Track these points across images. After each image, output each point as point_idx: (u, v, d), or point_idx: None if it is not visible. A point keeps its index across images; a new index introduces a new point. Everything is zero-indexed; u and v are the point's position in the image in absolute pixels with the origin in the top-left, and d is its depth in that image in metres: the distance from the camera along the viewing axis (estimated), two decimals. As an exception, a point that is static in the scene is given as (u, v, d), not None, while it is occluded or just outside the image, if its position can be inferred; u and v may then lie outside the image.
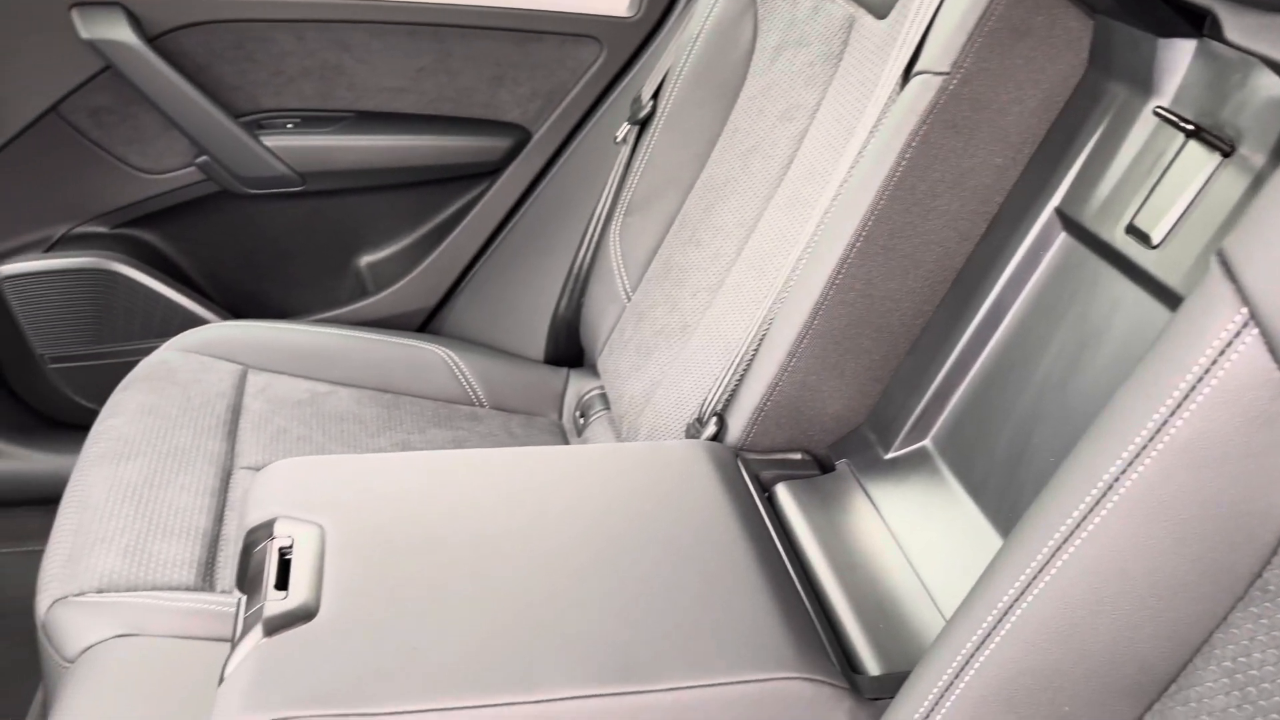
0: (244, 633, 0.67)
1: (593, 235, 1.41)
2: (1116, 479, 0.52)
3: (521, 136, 1.54)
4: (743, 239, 1.13)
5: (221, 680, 0.65)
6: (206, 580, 0.98)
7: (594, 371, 1.41)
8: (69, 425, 1.60)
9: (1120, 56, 0.79)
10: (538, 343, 1.48)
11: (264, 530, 0.74)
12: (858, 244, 0.85)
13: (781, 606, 0.72)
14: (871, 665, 0.72)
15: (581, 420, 1.38)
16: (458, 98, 1.51)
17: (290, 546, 0.72)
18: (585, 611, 0.69)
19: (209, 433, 1.16)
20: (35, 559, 1.55)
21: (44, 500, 1.55)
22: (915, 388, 0.88)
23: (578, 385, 1.43)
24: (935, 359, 0.87)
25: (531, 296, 1.50)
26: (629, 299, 1.32)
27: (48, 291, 1.48)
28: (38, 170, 1.44)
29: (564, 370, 1.46)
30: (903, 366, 0.90)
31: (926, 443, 0.86)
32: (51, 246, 1.48)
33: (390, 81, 1.48)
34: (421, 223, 1.60)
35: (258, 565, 0.72)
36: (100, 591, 0.94)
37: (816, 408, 0.92)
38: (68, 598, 0.94)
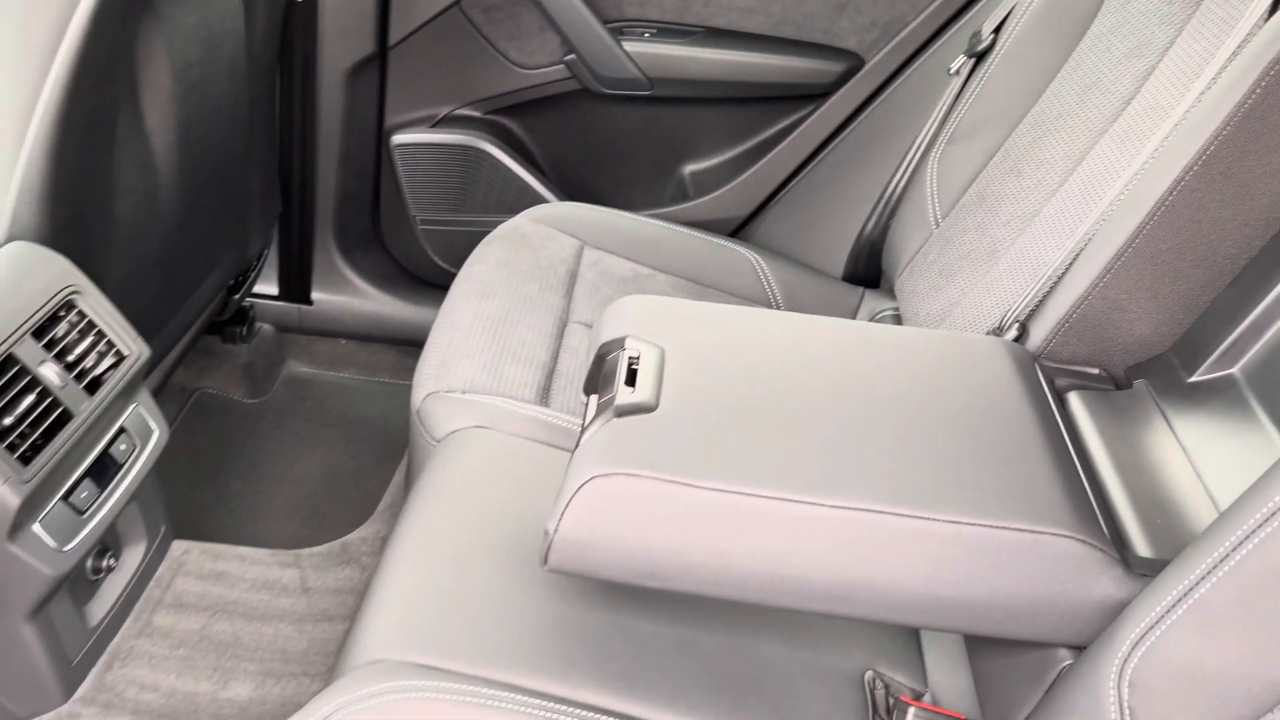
0: (596, 415, 0.82)
1: (910, 162, 1.47)
2: None
3: (854, 63, 1.61)
4: (1067, 171, 1.15)
5: (576, 448, 0.81)
6: (543, 400, 1.16)
7: (889, 295, 1.48)
8: (424, 281, 1.87)
9: None
10: (839, 260, 1.57)
11: (616, 344, 0.89)
12: (1195, 167, 0.87)
13: (1062, 477, 0.78)
14: (1142, 549, 0.77)
15: (871, 337, 1.46)
16: (801, 22, 1.60)
17: (638, 358, 0.86)
18: (882, 445, 0.79)
19: (551, 289, 1.35)
20: (388, 389, 1.84)
21: (397, 341, 1.84)
22: (1230, 317, 0.89)
23: (871, 304, 1.50)
24: (1258, 291, 0.87)
25: (840, 216, 1.58)
26: (937, 225, 1.37)
27: (428, 161, 1.73)
28: (436, 57, 1.68)
29: (860, 289, 1.54)
30: (1221, 296, 0.91)
31: (1234, 371, 0.88)
32: (436, 123, 1.73)
33: (742, 1, 1.60)
34: (747, 138, 1.72)
35: (610, 369, 0.86)
36: (464, 392, 1.14)
37: (1123, 328, 0.95)
38: (439, 392, 1.15)
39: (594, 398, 0.87)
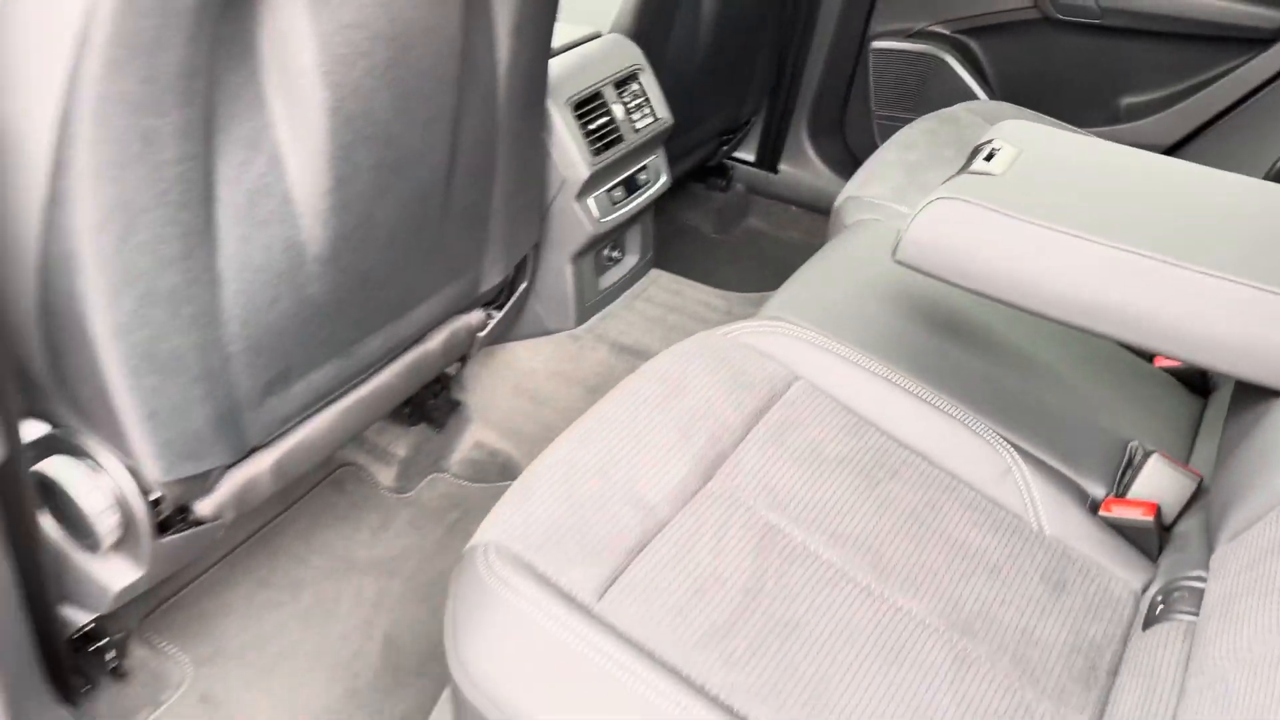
0: (950, 178, 1.16)
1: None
2: None
3: (1307, 13, 1.71)
4: None
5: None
6: (932, 219, 1.51)
7: None
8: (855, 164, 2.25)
9: None
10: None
11: (986, 143, 1.21)
12: None
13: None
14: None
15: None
16: (1258, -32, 1.73)
17: (999, 149, 1.18)
18: (1177, 220, 1.04)
19: (962, 157, 1.67)
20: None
21: (810, 203, 2.23)
22: None
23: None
24: None
25: (1251, 157, 1.70)
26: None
27: (896, 66, 2.11)
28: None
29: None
30: None
31: None
32: (910, 35, 2.09)
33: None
34: (1186, 76, 1.87)
35: (974, 154, 1.19)
36: (872, 199, 1.52)
37: None
38: (855, 197, 1.54)
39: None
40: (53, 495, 0.97)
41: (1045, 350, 1.28)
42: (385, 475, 1.55)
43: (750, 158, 2.33)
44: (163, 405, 0.91)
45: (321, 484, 1.53)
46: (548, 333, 1.58)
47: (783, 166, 2.30)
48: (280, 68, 0.85)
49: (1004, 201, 1.08)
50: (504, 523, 0.94)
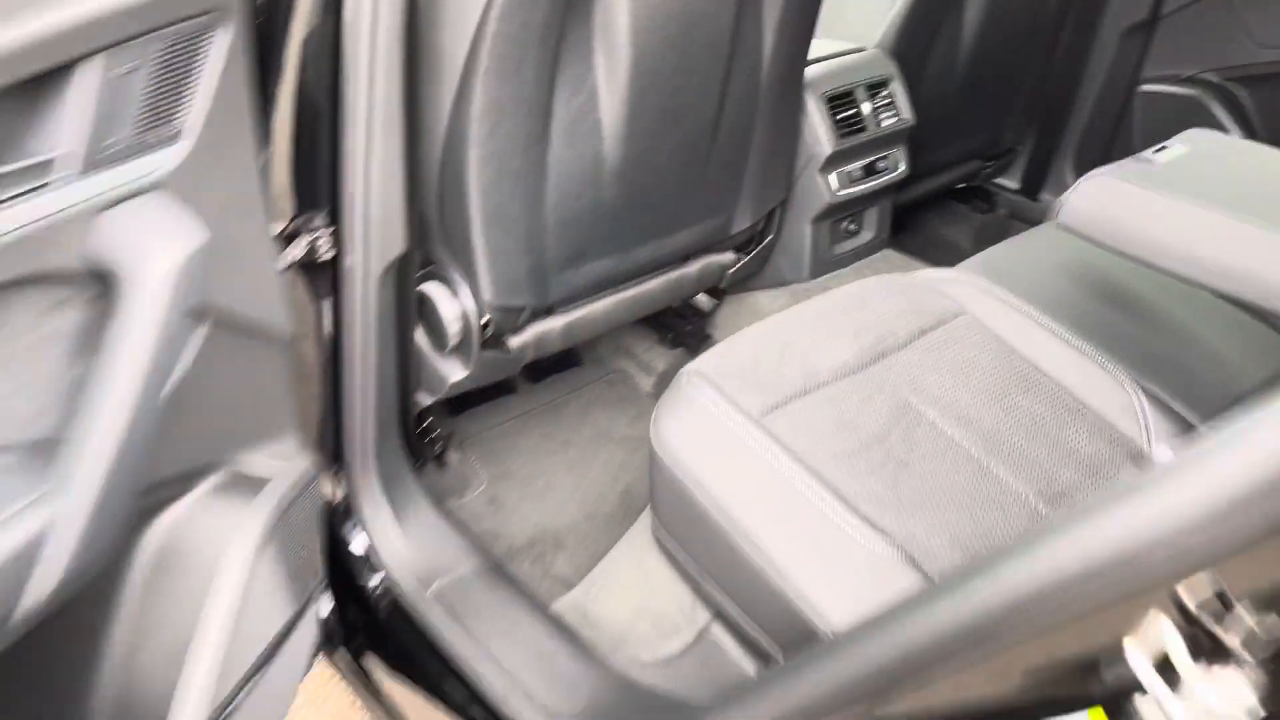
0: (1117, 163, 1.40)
1: None
2: None
3: None
4: None
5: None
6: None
7: None
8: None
9: None
10: None
11: (1162, 144, 1.43)
12: None
13: None
14: None
15: None
16: None
17: (1169, 147, 1.40)
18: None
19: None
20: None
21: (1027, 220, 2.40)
22: None
23: None
24: None
25: None
26: None
27: (1162, 108, 2.25)
28: (1196, 26, 2.19)
29: None
30: None
31: None
32: (1180, 81, 2.24)
33: None
34: None
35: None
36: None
37: None
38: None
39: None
40: (422, 307, 1.46)
41: (1202, 323, 1.46)
42: (645, 382, 1.97)
43: (1014, 184, 2.55)
44: (499, 249, 1.38)
45: (598, 381, 1.98)
46: (785, 284, 1.93)
47: (1044, 195, 2.49)
48: (604, 29, 1.30)
49: (1148, 181, 1.31)
50: (706, 361, 1.31)
